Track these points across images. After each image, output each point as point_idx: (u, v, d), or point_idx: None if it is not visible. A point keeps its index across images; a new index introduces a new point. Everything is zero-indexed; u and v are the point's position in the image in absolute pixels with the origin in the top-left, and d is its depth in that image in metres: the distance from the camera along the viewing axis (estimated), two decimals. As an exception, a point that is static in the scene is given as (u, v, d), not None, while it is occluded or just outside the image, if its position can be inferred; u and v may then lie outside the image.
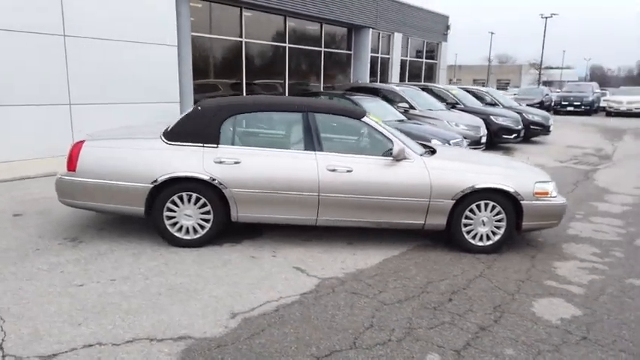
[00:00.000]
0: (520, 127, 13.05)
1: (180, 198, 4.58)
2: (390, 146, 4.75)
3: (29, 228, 5.11)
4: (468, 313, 3.55)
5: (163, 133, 4.72)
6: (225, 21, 12.30)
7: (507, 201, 4.77)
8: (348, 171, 4.60)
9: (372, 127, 4.83)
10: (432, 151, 5.21)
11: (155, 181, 4.49)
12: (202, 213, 4.63)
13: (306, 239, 5.03)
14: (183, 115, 4.81)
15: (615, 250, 5.08)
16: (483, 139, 11.30)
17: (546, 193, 4.84)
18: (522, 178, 4.82)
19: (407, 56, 20.21)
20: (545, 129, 14.65)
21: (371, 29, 16.75)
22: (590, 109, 27.47)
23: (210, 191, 4.57)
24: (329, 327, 3.28)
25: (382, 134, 4.79)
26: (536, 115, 14.77)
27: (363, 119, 4.85)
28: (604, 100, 28.68)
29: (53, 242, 4.70)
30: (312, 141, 4.70)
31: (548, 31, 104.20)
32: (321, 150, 4.68)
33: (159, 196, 4.55)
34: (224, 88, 12.60)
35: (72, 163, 4.58)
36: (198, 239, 4.67)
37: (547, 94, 29.99)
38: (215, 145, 4.61)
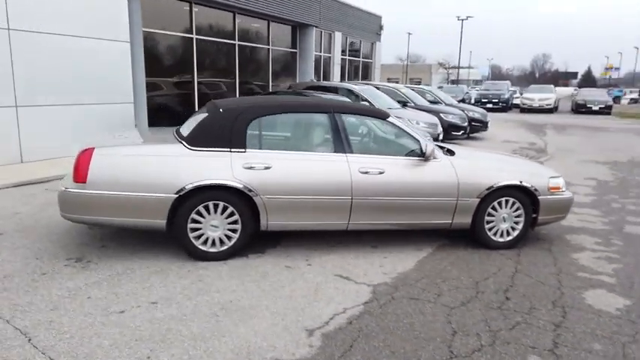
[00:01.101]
0: (466, 123, 13.62)
1: (206, 208, 4.23)
2: (416, 146, 4.70)
3: (19, 249, 4.47)
4: (533, 311, 3.59)
5: (185, 137, 4.32)
6: (175, 16, 11.65)
7: (526, 197, 4.90)
8: (380, 173, 4.49)
9: (398, 127, 4.75)
10: (449, 150, 5.24)
11: (182, 190, 4.10)
12: (230, 223, 4.31)
13: (333, 245, 4.85)
14: (203, 118, 4.43)
15: (613, 239, 5.40)
16: (440, 137, 11.67)
17: (559, 188, 5.04)
18: (538, 174, 4.98)
19: (346, 55, 20.39)
20: (484, 125, 15.41)
21: (315, 28, 16.68)
22: (506, 105, 29.48)
23: (238, 199, 4.26)
24: (415, 337, 3.16)
25: (409, 134, 4.73)
26: (476, 112, 15.49)
27: (388, 119, 4.76)
28: (518, 98, 30.86)
29: (57, 264, 4.14)
30: (341, 142, 4.53)
31: (455, 33, 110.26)
32: (351, 152, 4.53)
33: (182, 206, 4.16)
34: (175, 87, 11.94)
35: (81, 174, 4.06)
36: (225, 251, 4.34)
37: (467, 92, 31.76)
38: (243, 150, 4.30)
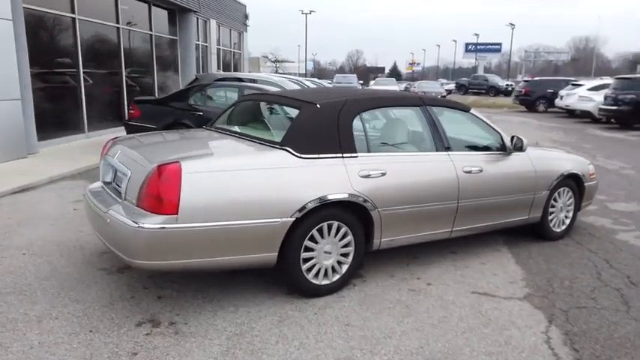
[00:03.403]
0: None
1: (319, 231, 3.32)
2: (498, 139, 4.36)
3: (68, 308, 2.97)
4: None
5: (286, 142, 3.30)
6: (52, -9, 9.37)
7: (576, 185, 4.94)
8: (479, 171, 4.06)
9: (481, 119, 4.35)
10: None
11: (302, 208, 3.12)
12: (343, 246, 3.46)
13: (412, 257, 4.22)
14: (300, 117, 3.45)
15: (625, 218, 5.78)
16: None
17: (594, 174, 5.21)
18: (581, 162, 5.07)
19: (220, 45, 19.03)
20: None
21: (194, 13, 15.14)
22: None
23: (351, 216, 3.44)
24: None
25: (491, 127, 4.37)
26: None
27: (471, 111, 4.33)
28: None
29: (129, 333, 2.84)
30: (441, 140, 3.97)
31: (287, 27, 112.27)
32: (450, 149, 4.00)
33: (295, 232, 3.19)
34: (59, 79, 9.67)
35: (169, 202, 2.82)
36: (338, 282, 3.48)
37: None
38: (354, 155, 3.46)
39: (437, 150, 3.92)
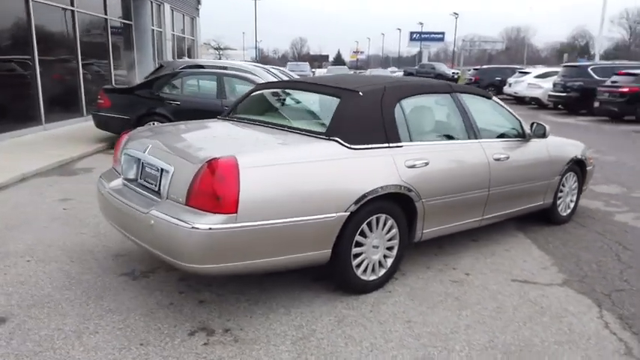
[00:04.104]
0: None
1: (369, 224, 3.17)
2: (518, 126, 4.37)
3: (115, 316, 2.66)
4: None
5: (332, 132, 3.11)
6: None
7: (579, 169, 5.06)
8: (506, 158, 4.05)
9: (503, 107, 4.34)
10: None
11: (357, 202, 2.97)
12: (388, 240, 3.33)
13: (437, 247, 4.13)
14: (344, 106, 3.26)
15: (614, 200, 6.01)
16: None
17: (592, 159, 5.36)
18: (581, 146, 5.18)
19: (174, 30, 18.20)
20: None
21: (148, -4, 14.37)
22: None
23: (397, 208, 3.32)
24: None
25: (511, 114, 4.36)
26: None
27: (493, 99, 4.30)
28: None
29: (185, 343, 2.59)
30: (471, 127, 3.92)
31: (230, 15, 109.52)
32: (480, 137, 3.95)
33: (349, 226, 3.03)
34: (9, 66, 8.86)
35: (228, 199, 2.58)
36: (383, 277, 3.36)
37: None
38: (399, 144, 3.33)
39: (469, 138, 3.87)
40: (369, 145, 3.17)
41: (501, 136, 4.22)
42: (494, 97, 4.33)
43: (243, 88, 8.11)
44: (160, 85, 8.04)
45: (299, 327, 2.83)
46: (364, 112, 3.26)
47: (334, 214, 2.91)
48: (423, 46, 59.62)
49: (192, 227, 2.56)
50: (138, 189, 3.12)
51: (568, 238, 4.57)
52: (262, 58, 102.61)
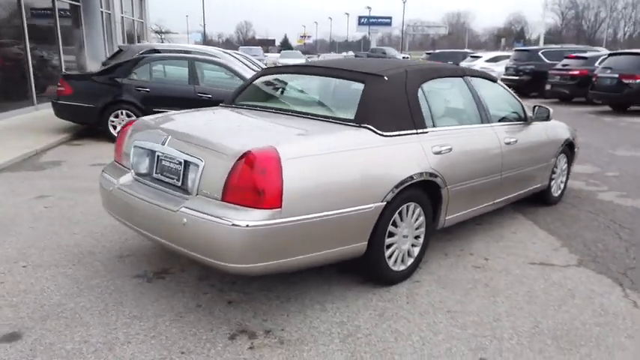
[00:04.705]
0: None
1: (400, 214, 3.08)
2: (520, 110, 4.39)
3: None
4: None
5: (361, 118, 2.97)
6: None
7: (569, 151, 5.19)
8: (515, 142, 4.06)
9: (506, 89, 4.34)
10: None
11: (393, 190, 2.87)
12: (416, 228, 3.26)
13: (445, 232, 4.07)
14: (370, 91, 3.11)
15: (592, 180, 6.23)
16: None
17: (578, 140, 5.50)
18: (571, 129, 5.31)
19: (123, 13, 17.22)
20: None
21: (97, -24, 13.45)
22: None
23: (424, 195, 3.24)
24: None
25: (515, 97, 4.37)
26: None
27: (498, 82, 4.29)
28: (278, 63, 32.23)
29: (225, 339, 2.42)
30: (484, 111, 3.89)
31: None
32: (492, 121, 3.93)
33: (384, 216, 2.93)
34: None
35: (271, 194, 2.40)
36: (411, 267, 3.28)
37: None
38: (425, 130, 3.24)
39: (482, 122, 3.84)
40: (400, 132, 3.06)
41: (506, 119, 4.22)
42: (499, 82, 4.32)
43: (216, 75, 7.79)
44: (126, 70, 7.56)
45: (341, 323, 2.71)
46: (391, 97, 3.14)
47: (372, 205, 2.79)
48: (371, 30, 59.97)
49: (234, 224, 2.37)
50: (154, 184, 2.87)
51: (565, 218, 4.67)
52: (207, 43, 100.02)
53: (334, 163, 2.68)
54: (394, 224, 3.04)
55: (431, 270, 3.43)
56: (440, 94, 3.60)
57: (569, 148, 5.11)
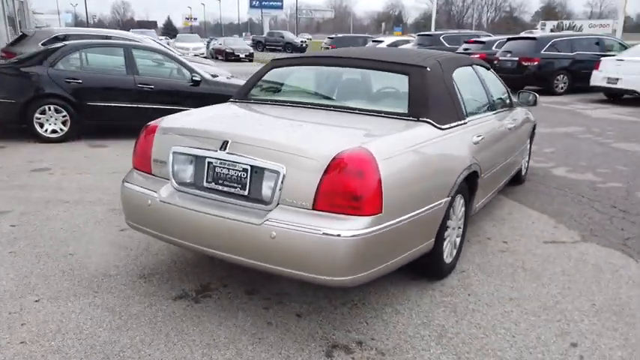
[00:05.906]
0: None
1: (452, 206, 3.06)
2: (506, 95, 4.56)
3: None
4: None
5: (428, 114, 2.87)
6: None
7: (532, 132, 5.54)
8: (514, 127, 4.24)
9: (496, 76, 4.47)
10: None
11: (455, 184, 2.86)
12: (459, 219, 3.27)
13: None
14: (418, 83, 3.00)
15: (536, 157, 6.73)
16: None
17: (534, 122, 5.90)
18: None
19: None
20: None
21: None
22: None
23: (466, 185, 3.26)
24: None
25: (501, 83, 4.52)
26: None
27: (490, 70, 4.41)
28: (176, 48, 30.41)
29: (322, 356, 2.25)
30: (492, 98, 4.00)
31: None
32: (496, 108, 4.05)
33: (447, 211, 2.89)
34: None
35: (371, 199, 2.24)
36: (455, 258, 3.29)
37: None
38: (464, 121, 3.23)
39: (491, 109, 3.93)
40: (451, 124, 3.02)
41: (501, 105, 4.36)
42: (491, 69, 4.44)
43: (155, 64, 7.17)
44: (52, 60, 6.63)
45: (426, 325, 2.64)
46: (436, 89, 3.08)
47: (442, 200, 2.75)
48: (264, 13, 59.16)
49: (337, 235, 2.18)
50: (207, 194, 2.54)
51: (542, 196, 4.98)
52: (78, 24, 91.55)
53: (413, 161, 2.59)
54: (449, 217, 3.02)
55: (467, 258, 3.47)
56: (465, 83, 3.61)
57: (532, 130, 5.46)
